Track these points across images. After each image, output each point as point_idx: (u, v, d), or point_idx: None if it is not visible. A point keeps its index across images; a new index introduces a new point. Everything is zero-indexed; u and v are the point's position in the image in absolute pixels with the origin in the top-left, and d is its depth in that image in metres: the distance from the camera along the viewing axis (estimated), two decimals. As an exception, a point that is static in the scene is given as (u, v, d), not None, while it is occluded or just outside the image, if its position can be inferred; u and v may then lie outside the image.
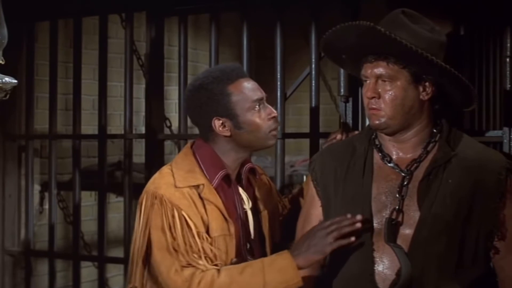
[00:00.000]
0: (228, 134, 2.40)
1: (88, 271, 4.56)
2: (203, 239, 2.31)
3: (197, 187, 2.37)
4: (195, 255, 2.28)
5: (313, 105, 3.24)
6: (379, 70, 2.20)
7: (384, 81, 2.20)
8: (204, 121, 2.43)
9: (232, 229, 2.38)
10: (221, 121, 2.39)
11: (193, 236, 2.29)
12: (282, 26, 3.32)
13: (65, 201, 4.60)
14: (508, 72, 2.84)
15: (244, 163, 2.50)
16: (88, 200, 4.72)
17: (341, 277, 2.27)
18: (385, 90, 2.20)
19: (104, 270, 4.00)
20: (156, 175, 2.43)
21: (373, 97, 2.21)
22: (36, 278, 4.40)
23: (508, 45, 2.84)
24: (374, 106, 2.22)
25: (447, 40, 2.27)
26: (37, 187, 4.57)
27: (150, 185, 2.39)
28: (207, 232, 2.33)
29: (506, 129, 2.83)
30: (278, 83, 3.29)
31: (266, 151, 2.83)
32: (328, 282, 2.31)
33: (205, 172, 2.40)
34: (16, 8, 3.43)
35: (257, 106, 2.39)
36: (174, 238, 2.28)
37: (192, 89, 2.45)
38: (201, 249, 2.29)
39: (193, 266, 2.26)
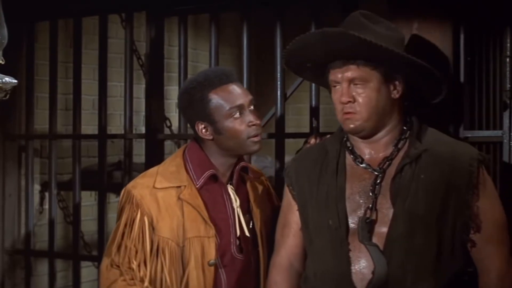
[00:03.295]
0: (210, 138, 2.44)
1: (88, 271, 4.56)
2: (158, 244, 2.37)
3: (177, 188, 2.42)
4: (133, 263, 2.36)
5: (313, 105, 3.24)
6: (351, 74, 2.20)
7: (356, 84, 2.20)
8: (190, 123, 2.50)
9: (212, 232, 2.41)
10: (203, 125, 2.44)
11: (143, 243, 2.37)
12: (282, 26, 3.31)
13: (65, 201, 4.60)
14: (508, 72, 2.83)
15: (238, 162, 2.52)
16: (88, 200, 4.72)
17: (319, 278, 2.27)
18: (358, 93, 2.20)
19: (104, 270, 4.00)
20: (141, 174, 2.52)
21: (348, 102, 2.21)
22: (36, 278, 4.40)
23: (508, 45, 2.84)
24: (350, 110, 2.21)
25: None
26: (37, 187, 4.57)
27: (130, 183, 2.48)
28: (183, 232, 2.38)
29: (506, 129, 2.83)
30: (278, 83, 3.28)
31: (266, 151, 2.84)
32: (306, 283, 2.32)
33: (192, 172, 2.45)
34: (16, 8, 3.43)
35: (236, 113, 2.41)
36: (123, 239, 2.40)
37: (180, 92, 2.54)
38: (141, 260, 2.37)
39: (121, 271, 2.36)
